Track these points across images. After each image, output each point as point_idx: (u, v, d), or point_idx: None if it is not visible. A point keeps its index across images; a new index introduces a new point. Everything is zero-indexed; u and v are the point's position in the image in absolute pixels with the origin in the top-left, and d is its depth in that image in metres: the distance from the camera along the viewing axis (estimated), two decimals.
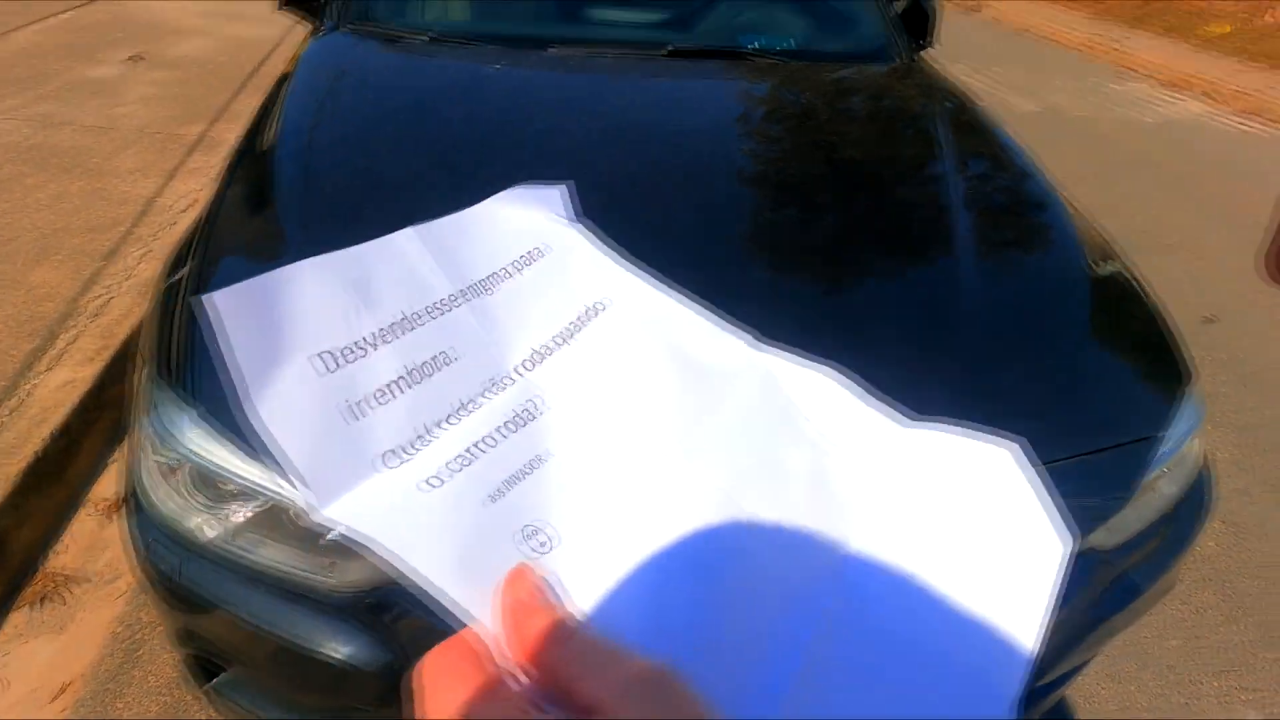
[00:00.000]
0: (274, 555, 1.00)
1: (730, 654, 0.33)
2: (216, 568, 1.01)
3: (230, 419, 0.98)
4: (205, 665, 1.17)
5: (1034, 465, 0.38)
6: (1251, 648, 1.83)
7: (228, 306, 0.33)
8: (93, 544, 1.84)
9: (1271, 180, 5.01)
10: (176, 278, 1.28)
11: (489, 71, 1.86)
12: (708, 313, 0.46)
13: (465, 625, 0.30)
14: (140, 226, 2.91)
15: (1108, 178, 4.85)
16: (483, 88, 1.80)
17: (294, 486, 0.31)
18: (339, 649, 0.98)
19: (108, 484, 1.99)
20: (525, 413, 0.39)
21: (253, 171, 1.50)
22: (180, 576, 1.03)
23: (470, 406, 0.38)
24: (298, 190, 1.39)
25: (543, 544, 0.34)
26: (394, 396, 0.36)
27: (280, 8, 2.23)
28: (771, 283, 1.31)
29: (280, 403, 0.33)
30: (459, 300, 0.41)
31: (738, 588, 0.35)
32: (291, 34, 4.81)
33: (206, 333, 0.32)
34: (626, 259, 0.47)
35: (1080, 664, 1.26)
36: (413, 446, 0.35)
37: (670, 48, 2.02)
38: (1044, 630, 0.35)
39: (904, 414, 0.41)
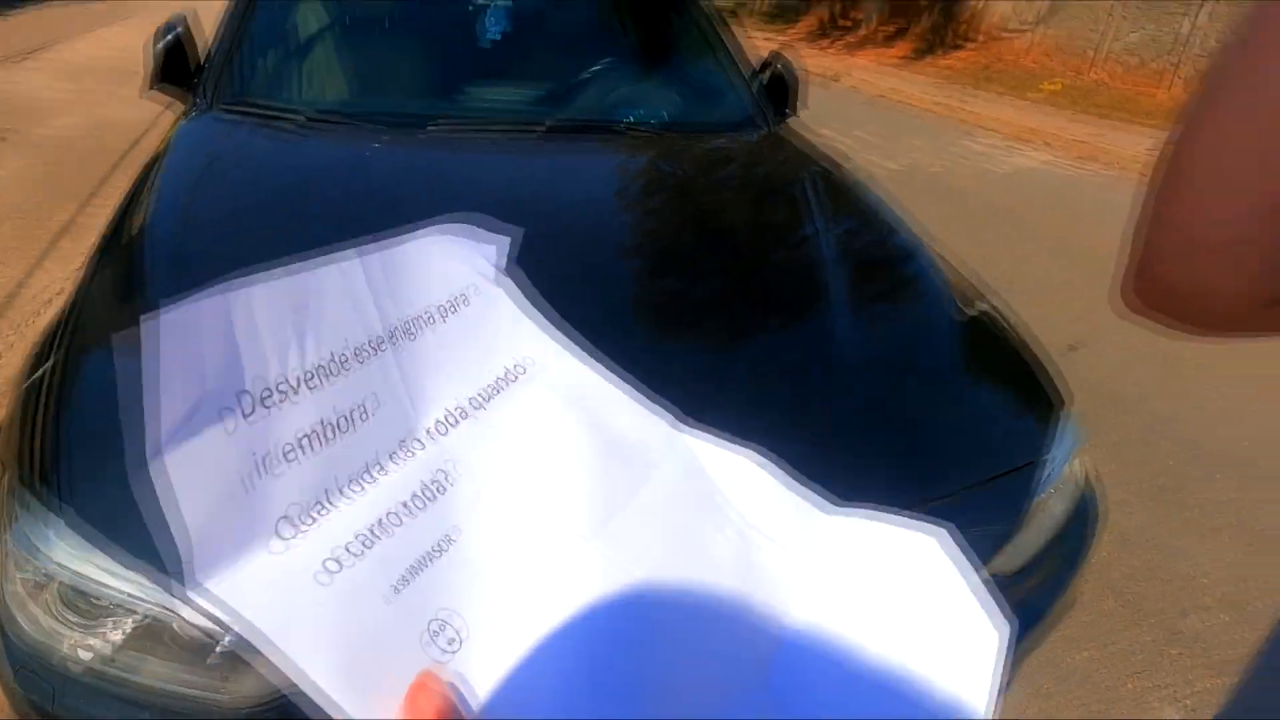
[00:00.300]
0: (159, 674, 0.91)
1: None
2: (96, 693, 0.92)
3: (105, 523, 0.90)
4: None
5: (962, 551, 0.38)
6: (1157, 647, 1.95)
7: (171, 327, 0.30)
8: None
9: (1109, 218, 5.53)
10: (39, 374, 1.19)
11: (366, 152, 1.85)
12: (630, 387, 0.44)
13: None
14: (2, 319, 2.70)
15: (968, 225, 5.23)
16: (360, 168, 1.78)
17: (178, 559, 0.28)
18: None
19: None
20: (435, 485, 0.37)
21: (122, 258, 1.43)
22: (55, 706, 0.92)
23: (378, 471, 0.36)
24: (170, 277, 1.32)
25: (451, 641, 0.32)
26: (304, 453, 0.33)
27: (151, 88, 2.16)
28: (655, 349, 1.33)
29: (186, 452, 0.30)
30: (385, 344, 0.39)
31: (664, 682, 0.34)
32: (164, 115, 4.67)
33: (125, 373, 0.29)
34: (552, 321, 0.46)
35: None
36: (313, 515, 0.33)
37: (548, 124, 2.07)
38: (993, 715, 0.34)
39: (828, 499, 0.41)
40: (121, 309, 1.31)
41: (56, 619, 0.94)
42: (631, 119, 2.18)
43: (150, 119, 5.23)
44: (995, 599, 0.36)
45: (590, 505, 0.38)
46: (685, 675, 0.35)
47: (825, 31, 16.22)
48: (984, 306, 1.62)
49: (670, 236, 1.72)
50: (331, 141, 1.91)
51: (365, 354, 0.38)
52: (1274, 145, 0.38)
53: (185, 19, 2.27)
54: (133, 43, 5.94)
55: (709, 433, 0.44)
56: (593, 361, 0.45)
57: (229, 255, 1.40)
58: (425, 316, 0.41)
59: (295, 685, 0.27)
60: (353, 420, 0.36)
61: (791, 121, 2.51)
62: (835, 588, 0.39)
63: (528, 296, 0.47)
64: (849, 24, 16.79)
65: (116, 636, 0.92)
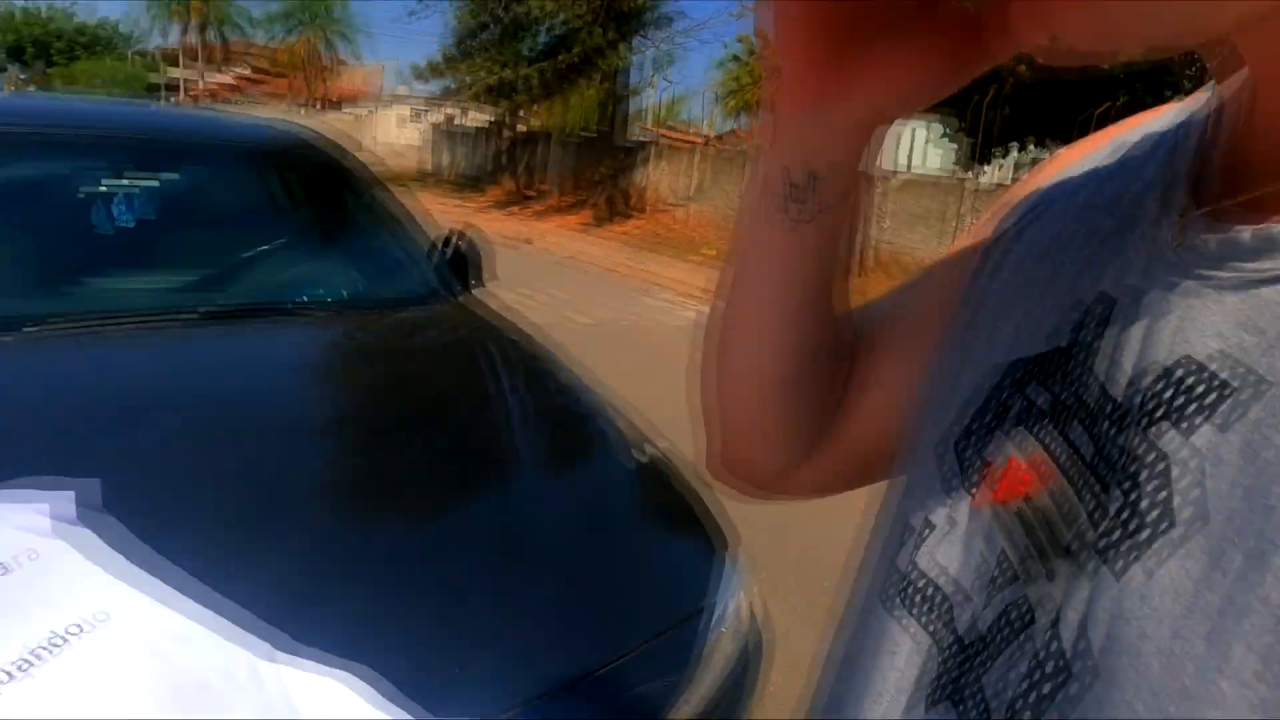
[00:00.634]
0: None
1: None
2: None
3: None
4: None
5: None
6: None
7: None
8: None
9: None
10: None
11: None
12: (221, 622, 0.42)
13: None
14: None
15: (654, 371, 5.74)
16: None
17: None
18: None
19: None
20: None
21: None
22: None
23: None
24: None
25: None
26: None
27: None
28: (328, 538, 1.27)
29: None
30: None
31: None
32: None
33: None
34: (136, 566, 0.43)
35: None
36: None
37: (201, 311, 1.93)
38: None
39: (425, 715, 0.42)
40: None
41: None
42: (303, 299, 2.11)
43: None
44: None
45: None
46: None
47: (514, 200, 17.44)
48: (656, 453, 1.77)
49: (349, 417, 1.67)
50: None
51: None
52: (719, 338, 0.50)
53: None
54: None
55: (306, 657, 0.43)
56: (181, 603, 0.43)
57: None
58: None
59: None
60: None
61: (491, 284, 2.60)
62: None
63: (114, 543, 0.44)
64: (534, 194, 18.26)
65: None
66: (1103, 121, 0.41)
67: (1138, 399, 0.27)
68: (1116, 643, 0.24)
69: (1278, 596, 0.21)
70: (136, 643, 0.40)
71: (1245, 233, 0.25)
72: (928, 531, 0.34)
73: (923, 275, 0.48)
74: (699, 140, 27.04)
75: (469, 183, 21.49)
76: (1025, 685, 0.27)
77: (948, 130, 10.64)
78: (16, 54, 38.24)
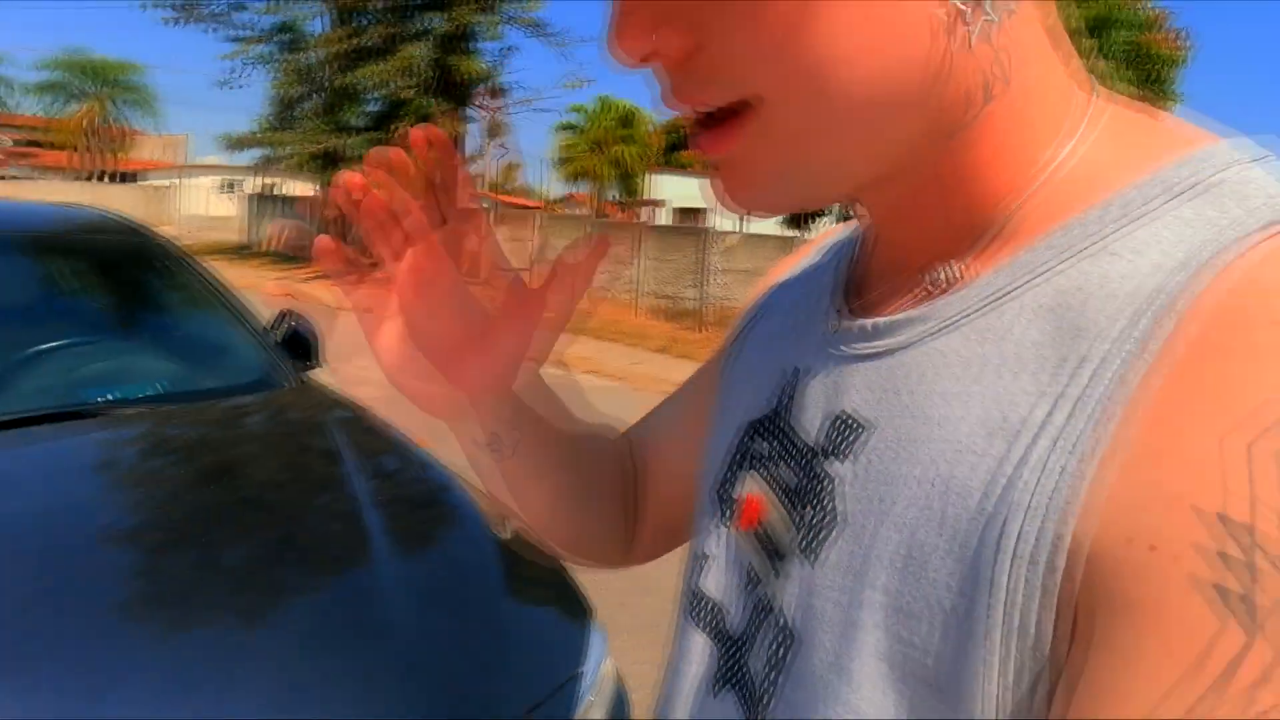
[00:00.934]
0: None
1: None
2: None
3: None
4: None
5: None
6: None
7: None
8: None
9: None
10: None
11: None
12: None
13: None
14: None
15: None
16: None
17: None
18: None
19: None
20: None
21: None
22: None
23: None
24: None
25: None
26: None
27: None
28: (186, 639, 1.19)
29: None
30: None
31: None
32: None
33: None
34: None
35: None
36: None
37: None
38: None
39: None
40: None
41: None
42: (112, 396, 1.93)
43: None
44: None
45: None
46: None
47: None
48: (516, 527, 1.76)
49: (182, 516, 1.55)
50: None
51: None
52: None
53: None
54: None
55: None
56: None
57: None
58: None
59: None
60: None
61: (326, 356, 2.48)
62: None
63: None
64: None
65: None
66: None
67: (819, 441, 0.38)
68: (810, 612, 0.35)
69: (885, 578, 0.32)
70: None
71: (869, 323, 0.37)
72: (707, 560, 0.44)
73: (684, 385, 0.62)
74: (537, 205, 27.50)
75: (293, 254, 20.51)
76: (769, 658, 0.37)
77: None
78: None
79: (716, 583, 0.43)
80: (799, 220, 10.82)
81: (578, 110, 30.11)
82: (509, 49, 16.01)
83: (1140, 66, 12.66)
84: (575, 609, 1.53)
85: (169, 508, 1.55)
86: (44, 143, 33.85)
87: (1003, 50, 0.32)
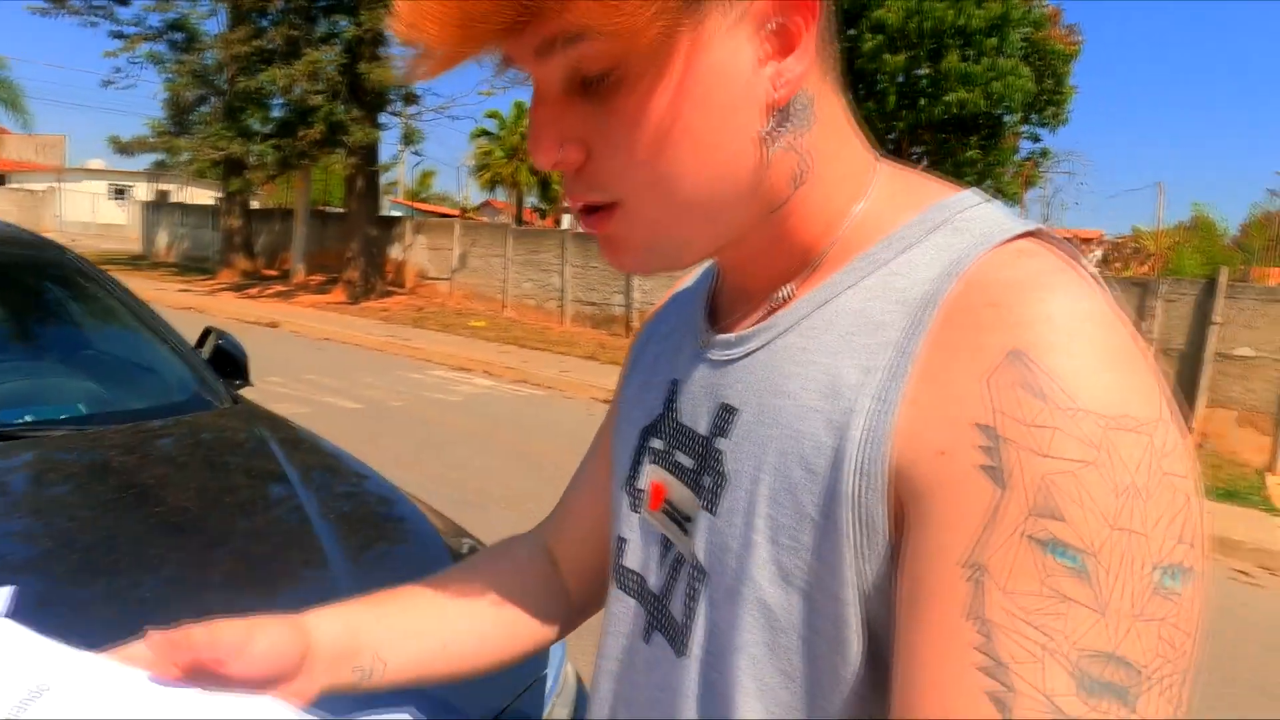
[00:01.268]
0: None
1: None
2: None
3: None
4: None
5: None
6: None
7: None
8: None
9: (549, 430, 6.51)
10: None
11: None
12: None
13: None
14: None
15: (438, 449, 5.60)
16: None
17: None
18: None
19: None
20: None
21: None
22: None
23: None
24: None
25: None
26: None
27: None
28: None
29: None
30: None
31: None
32: None
33: None
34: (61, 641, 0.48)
35: None
36: None
37: None
38: None
39: None
40: None
41: None
42: (29, 418, 1.83)
43: None
44: None
45: None
46: None
47: (251, 282, 16.17)
48: (472, 543, 1.77)
49: (131, 538, 1.48)
50: None
51: None
52: None
53: None
54: None
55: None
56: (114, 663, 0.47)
57: None
58: None
59: None
60: None
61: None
62: None
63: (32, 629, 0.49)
64: (275, 273, 17.05)
65: None
66: None
67: (708, 428, 0.50)
68: (714, 548, 0.47)
69: (767, 508, 0.44)
70: (93, 696, 0.44)
71: (733, 335, 0.50)
72: (626, 542, 0.56)
73: (587, 455, 0.70)
74: (456, 213, 27.05)
75: (194, 264, 19.62)
76: (686, 595, 0.49)
77: None
78: None
79: (635, 557, 0.55)
80: None
81: (493, 116, 29.85)
82: None
83: (1037, 62, 13.40)
84: None
85: (115, 530, 1.48)
86: None
87: (806, 152, 0.45)
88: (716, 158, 0.43)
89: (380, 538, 1.77)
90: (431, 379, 8.54)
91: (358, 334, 10.96)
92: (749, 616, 0.44)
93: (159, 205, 23.05)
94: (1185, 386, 7.58)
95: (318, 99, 13.22)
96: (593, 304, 12.28)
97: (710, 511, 0.48)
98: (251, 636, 0.50)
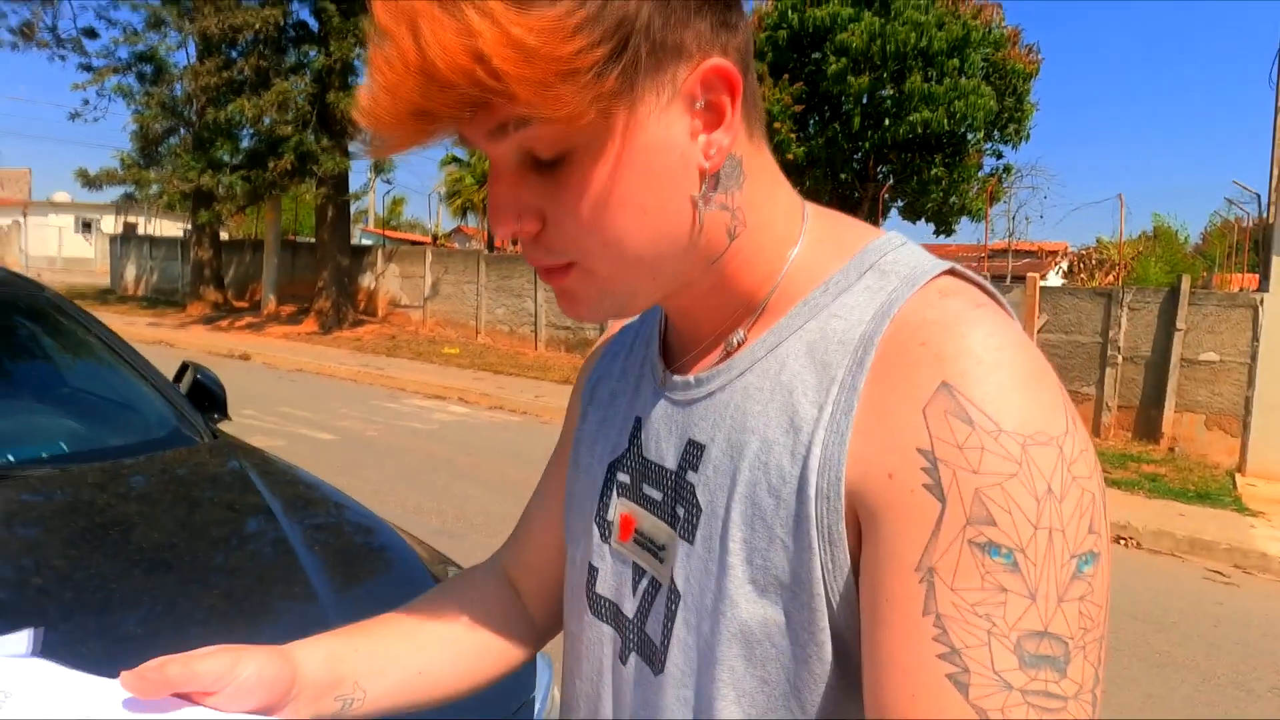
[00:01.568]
0: None
1: None
2: None
3: None
4: None
5: None
6: None
7: None
8: None
9: (526, 454, 6.47)
10: None
11: None
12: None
13: None
14: None
15: (416, 477, 5.54)
16: None
17: None
18: None
19: None
20: None
21: None
22: None
23: None
24: None
25: None
26: None
27: None
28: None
29: None
30: None
31: None
32: None
33: None
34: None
35: None
36: None
37: None
38: None
39: None
40: None
41: None
42: (11, 459, 1.81)
43: None
44: None
45: None
46: None
47: (222, 314, 15.98)
48: (455, 568, 1.76)
49: (109, 579, 1.46)
50: None
51: None
52: None
53: None
54: None
55: None
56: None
57: None
58: None
59: None
60: None
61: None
62: None
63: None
64: (246, 305, 16.86)
65: None
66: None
67: (677, 463, 0.54)
68: (692, 574, 0.51)
69: (739, 532, 0.48)
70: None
71: (692, 378, 0.55)
72: (596, 571, 0.60)
73: (539, 484, 0.73)
74: (427, 240, 26.97)
75: (163, 297, 19.36)
76: (664, 617, 0.53)
77: None
78: None
79: (607, 585, 0.59)
80: None
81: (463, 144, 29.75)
82: None
83: (998, 81, 13.72)
84: None
85: (102, 569, 1.46)
86: None
87: (737, 208, 0.50)
88: (656, 222, 0.47)
89: (365, 568, 1.77)
90: (406, 408, 8.47)
91: (331, 364, 10.85)
92: (727, 631, 0.48)
93: (127, 238, 22.72)
94: (1153, 392, 7.75)
95: (287, 129, 13.16)
96: (566, 328, 12.28)
97: (688, 540, 0.52)
98: (237, 665, 0.52)
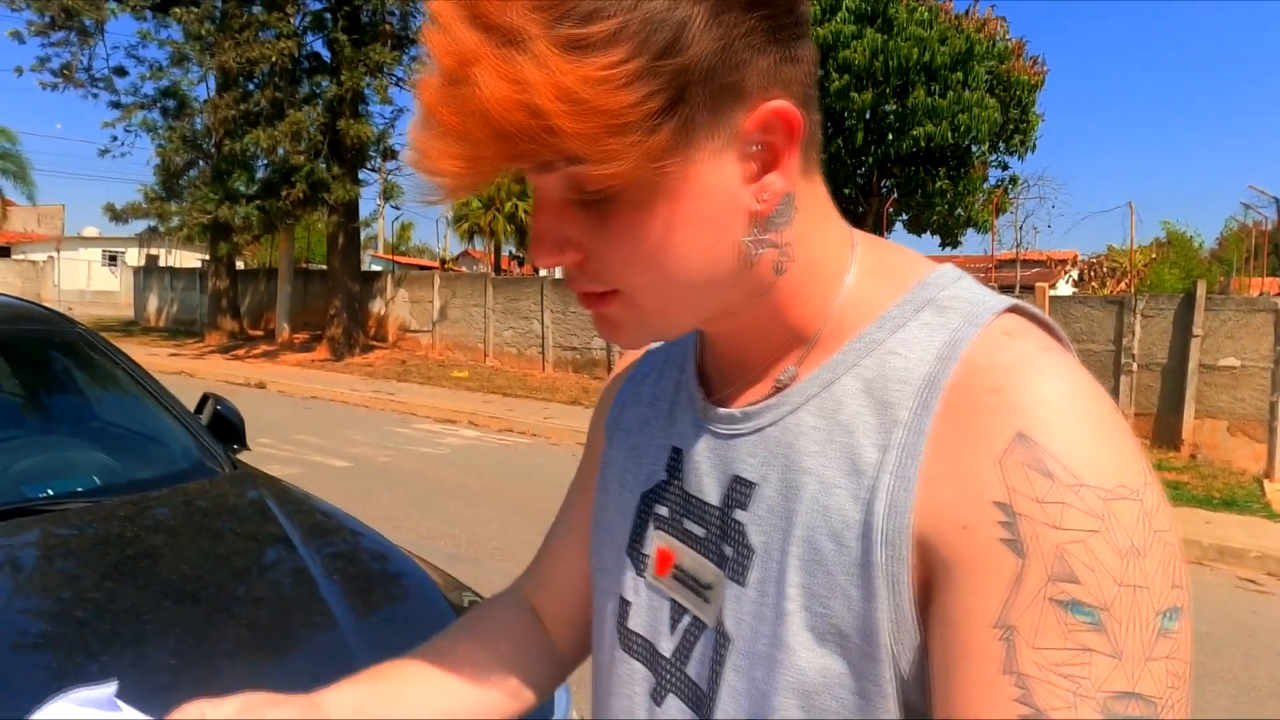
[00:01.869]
0: None
1: None
2: None
3: None
4: None
5: None
6: None
7: None
8: None
9: (538, 477, 6.48)
10: None
11: None
12: None
13: None
14: None
15: (427, 506, 5.55)
16: None
17: None
18: None
19: None
20: None
21: None
22: None
23: None
24: None
25: None
26: None
27: None
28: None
29: None
30: None
31: None
32: None
33: None
34: None
35: None
36: None
37: None
38: None
39: None
40: None
41: None
42: (50, 493, 1.89)
43: None
44: None
45: None
46: None
47: (238, 343, 16.12)
48: (473, 597, 1.77)
49: (141, 611, 1.51)
50: None
51: None
52: None
53: None
54: None
55: None
56: None
57: None
58: None
59: None
60: None
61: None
62: None
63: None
64: (260, 333, 16.99)
65: None
66: None
67: (722, 499, 0.52)
68: (744, 618, 0.49)
69: (798, 577, 0.46)
70: None
71: (738, 411, 0.53)
72: (629, 605, 0.57)
73: (562, 509, 0.72)
74: (435, 264, 27.17)
75: (182, 328, 19.56)
76: (710, 660, 0.51)
77: None
78: None
79: (640, 620, 0.57)
80: None
81: None
82: (399, 111, 15.86)
83: (1002, 93, 13.73)
84: None
85: (135, 601, 1.51)
86: None
87: (786, 244, 0.49)
88: (703, 264, 0.46)
89: (383, 595, 1.80)
90: (418, 433, 8.50)
91: (343, 391, 10.92)
92: (784, 680, 0.46)
93: (149, 270, 23.05)
94: (1171, 399, 7.69)
95: (300, 158, 13.35)
96: (573, 349, 12.31)
97: (738, 583, 0.50)
98: (264, 714, 0.53)
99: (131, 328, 20.02)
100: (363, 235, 18.07)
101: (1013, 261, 15.90)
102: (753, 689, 0.48)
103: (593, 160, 0.41)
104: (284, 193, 13.51)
